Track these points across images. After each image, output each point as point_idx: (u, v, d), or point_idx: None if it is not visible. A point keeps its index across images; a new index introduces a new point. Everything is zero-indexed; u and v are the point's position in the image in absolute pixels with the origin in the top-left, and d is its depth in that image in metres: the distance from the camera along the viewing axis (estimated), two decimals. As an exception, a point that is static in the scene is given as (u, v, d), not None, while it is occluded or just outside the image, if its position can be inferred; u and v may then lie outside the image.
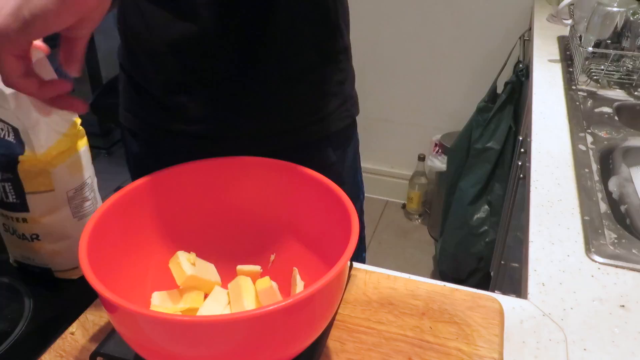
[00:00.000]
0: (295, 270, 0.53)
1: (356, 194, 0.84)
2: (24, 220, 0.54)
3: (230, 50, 0.66)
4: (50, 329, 0.52)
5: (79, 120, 0.55)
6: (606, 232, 0.68)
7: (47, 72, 0.49)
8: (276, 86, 0.68)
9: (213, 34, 0.65)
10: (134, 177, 0.52)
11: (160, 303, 0.50)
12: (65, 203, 0.54)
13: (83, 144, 0.55)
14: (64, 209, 0.55)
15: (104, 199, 0.49)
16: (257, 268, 0.55)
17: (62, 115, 0.53)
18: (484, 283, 1.80)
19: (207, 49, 0.66)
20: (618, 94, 1.12)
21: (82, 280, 0.40)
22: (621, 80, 1.16)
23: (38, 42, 0.53)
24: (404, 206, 2.42)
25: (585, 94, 1.11)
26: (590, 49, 1.15)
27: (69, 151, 0.53)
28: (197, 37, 0.65)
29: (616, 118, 1.01)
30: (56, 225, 0.55)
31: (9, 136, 0.50)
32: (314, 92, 0.71)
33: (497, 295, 0.57)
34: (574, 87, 1.13)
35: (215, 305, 0.51)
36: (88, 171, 0.56)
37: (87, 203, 0.57)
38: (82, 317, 0.53)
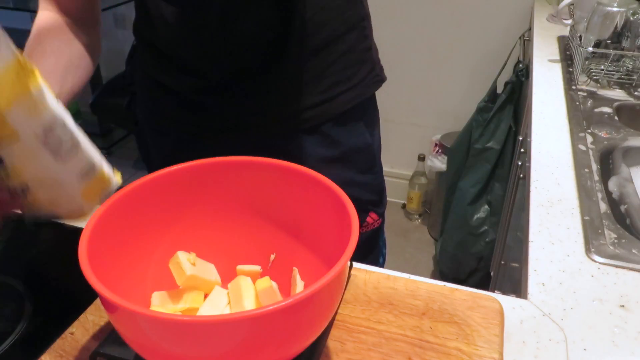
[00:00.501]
0: (295, 270, 0.53)
1: (382, 178, 0.87)
2: (7, 174, 0.51)
3: (256, 42, 0.67)
4: (50, 329, 0.52)
5: (21, 57, 0.48)
6: (606, 232, 0.68)
7: None
8: (305, 59, 0.70)
9: (235, 32, 0.65)
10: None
11: (160, 303, 0.50)
12: (39, 147, 0.51)
13: (34, 82, 0.49)
14: (41, 153, 0.51)
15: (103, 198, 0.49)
16: (257, 268, 0.55)
17: None
18: (484, 283, 1.80)
19: (233, 46, 0.67)
20: (618, 94, 1.12)
21: (82, 280, 0.40)
22: (621, 80, 1.16)
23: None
24: (404, 206, 2.42)
25: (585, 94, 1.11)
26: (590, 49, 1.15)
27: (16, 90, 0.48)
28: (224, 38, 0.66)
29: (616, 118, 1.01)
30: (40, 172, 0.52)
31: None
32: (343, 61, 0.73)
33: (497, 295, 0.57)
34: (574, 87, 1.13)
35: (215, 305, 0.50)
36: (56, 109, 0.52)
37: (66, 144, 0.53)
38: (82, 317, 0.53)
